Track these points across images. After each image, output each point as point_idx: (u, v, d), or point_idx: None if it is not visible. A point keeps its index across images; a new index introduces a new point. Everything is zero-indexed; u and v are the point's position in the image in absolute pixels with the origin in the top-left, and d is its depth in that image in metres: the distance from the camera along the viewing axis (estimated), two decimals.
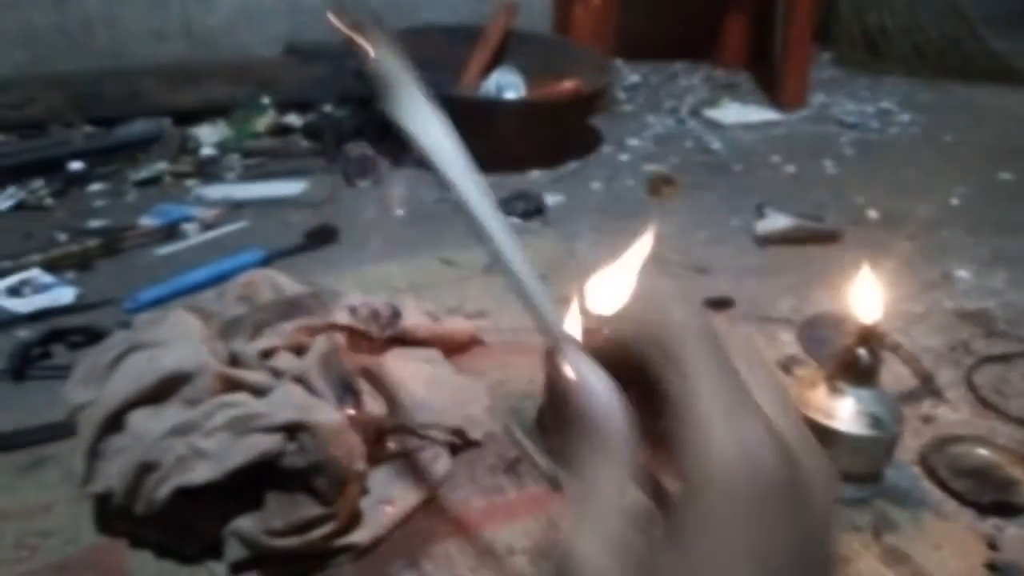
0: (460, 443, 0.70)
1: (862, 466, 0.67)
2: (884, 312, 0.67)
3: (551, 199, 1.29)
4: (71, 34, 1.67)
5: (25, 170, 1.30)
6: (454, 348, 0.85)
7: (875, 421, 0.66)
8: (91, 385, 0.60)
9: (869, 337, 0.66)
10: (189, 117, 1.55)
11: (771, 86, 1.98)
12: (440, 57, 1.61)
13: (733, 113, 1.79)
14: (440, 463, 0.68)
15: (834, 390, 0.68)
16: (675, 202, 1.29)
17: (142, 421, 0.56)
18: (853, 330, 0.67)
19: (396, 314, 0.80)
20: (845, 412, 0.66)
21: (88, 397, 0.59)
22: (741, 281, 1.02)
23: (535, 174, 1.41)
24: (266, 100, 1.56)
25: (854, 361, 0.67)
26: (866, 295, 0.67)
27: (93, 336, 0.85)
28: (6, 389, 0.78)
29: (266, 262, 1.03)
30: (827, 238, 1.15)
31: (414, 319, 0.81)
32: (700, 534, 0.22)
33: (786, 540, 0.22)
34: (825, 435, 0.66)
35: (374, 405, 0.65)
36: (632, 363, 0.28)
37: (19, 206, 1.22)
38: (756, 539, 0.22)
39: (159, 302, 0.93)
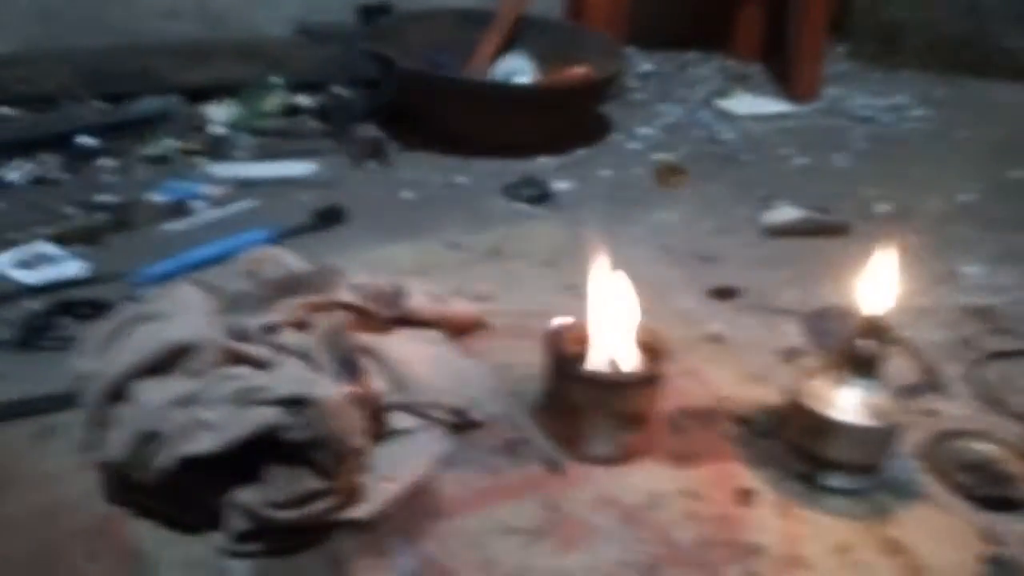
0: (461, 423, 0.71)
1: (862, 457, 0.67)
2: (891, 305, 0.67)
3: (559, 185, 1.29)
4: (85, 10, 1.67)
5: (36, 144, 1.31)
6: (458, 330, 0.85)
7: (877, 412, 0.66)
8: (97, 356, 0.60)
9: (874, 328, 0.66)
10: (200, 95, 1.55)
11: (784, 78, 1.97)
12: (451, 41, 1.61)
13: (745, 104, 1.78)
14: (441, 442, 0.68)
15: (836, 380, 0.68)
16: (683, 191, 1.29)
17: (146, 392, 0.57)
18: (858, 321, 0.67)
19: (400, 294, 0.80)
20: (847, 402, 0.67)
21: (93, 367, 0.60)
22: (747, 271, 1.02)
23: (543, 160, 1.41)
24: (277, 80, 1.56)
25: (858, 352, 0.67)
26: (874, 287, 0.67)
27: (100, 308, 0.85)
28: (14, 359, 0.79)
29: (274, 241, 1.03)
30: (835, 231, 1.15)
31: (419, 300, 0.81)
32: None
33: None
34: (825, 425, 0.66)
35: (376, 382, 0.65)
36: None
37: (30, 180, 1.22)
38: None
39: (166, 277, 0.93)
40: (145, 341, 0.59)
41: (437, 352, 0.77)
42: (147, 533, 0.59)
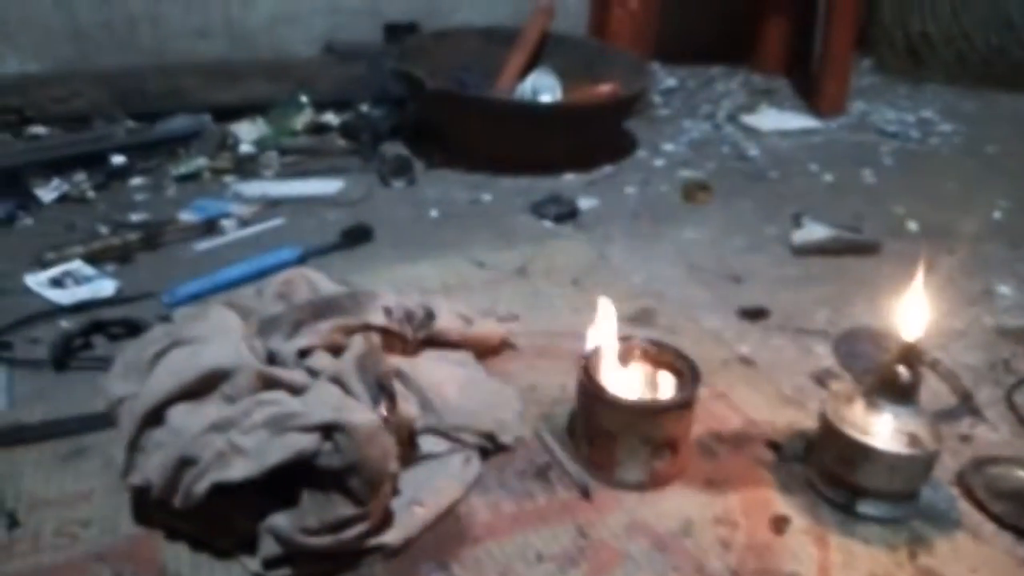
0: (491, 447, 0.70)
1: (898, 485, 0.66)
2: (926, 330, 0.66)
3: (584, 203, 1.28)
4: (116, 31, 1.70)
5: (69, 163, 1.33)
6: (485, 351, 0.85)
7: (913, 439, 0.65)
8: (131, 379, 0.61)
9: (910, 354, 0.65)
10: (228, 114, 1.57)
11: (810, 93, 1.96)
12: (477, 59, 1.62)
13: (771, 120, 1.77)
14: (471, 466, 0.68)
15: (871, 406, 0.67)
16: (710, 208, 1.28)
17: (182, 416, 0.57)
18: (894, 346, 0.66)
19: (430, 315, 0.80)
20: (882, 429, 0.65)
21: (128, 391, 0.60)
22: (776, 291, 1.01)
23: (569, 177, 1.41)
24: (304, 99, 1.58)
25: (893, 378, 0.65)
26: (910, 312, 0.66)
27: (132, 328, 0.87)
28: (48, 379, 0.80)
29: (303, 260, 1.04)
30: (865, 250, 1.13)
31: (447, 321, 0.81)
32: None
33: None
34: (861, 452, 0.65)
35: (407, 406, 0.65)
36: None
37: (62, 198, 1.24)
38: None
39: (197, 297, 0.94)
40: (182, 365, 0.59)
41: (466, 374, 0.77)
42: (179, 556, 0.59)
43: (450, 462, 0.67)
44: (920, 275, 0.69)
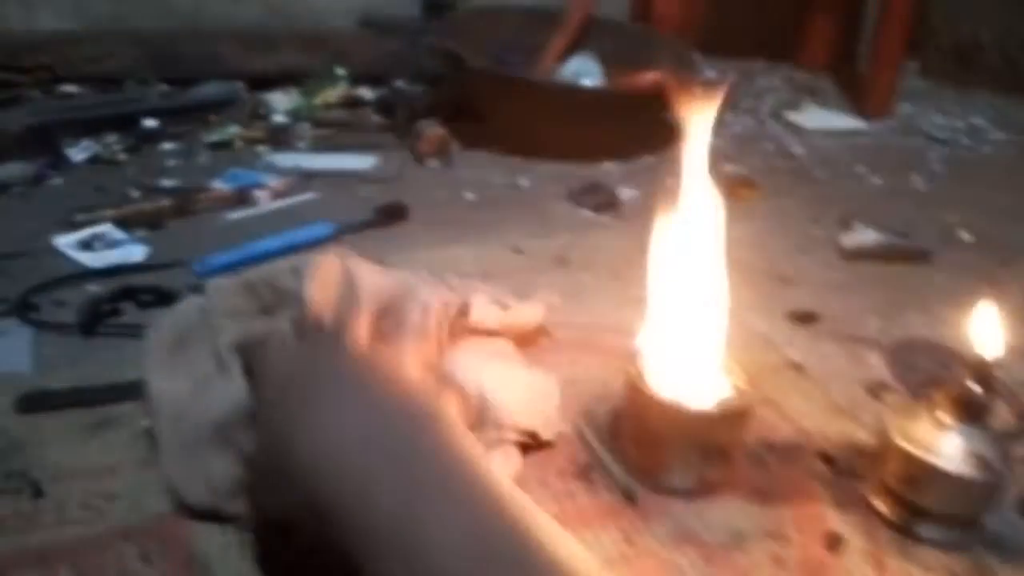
0: (532, 443, 0.67)
1: (963, 509, 0.63)
2: (1001, 348, 0.62)
3: (625, 193, 1.25)
4: None
5: (100, 124, 1.31)
6: (524, 339, 0.82)
7: (982, 462, 0.61)
8: (165, 368, 0.59)
9: (984, 372, 0.62)
10: (262, 83, 1.54)
11: (855, 92, 1.90)
12: (518, 38, 1.57)
13: (815, 118, 1.72)
14: (511, 461, 0.65)
15: (938, 424, 0.63)
16: (756, 206, 1.24)
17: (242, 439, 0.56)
18: (965, 362, 0.63)
19: (463, 311, 0.76)
20: (950, 449, 0.62)
21: (167, 388, 0.59)
22: (825, 295, 0.98)
23: (608, 166, 1.37)
24: (340, 71, 1.54)
25: (965, 396, 0.62)
26: (986, 327, 0.62)
27: (163, 296, 0.84)
28: (74, 344, 0.78)
29: (337, 236, 1.01)
30: (917, 257, 1.09)
31: (482, 312, 0.77)
32: None
33: None
34: (927, 472, 0.61)
35: (450, 402, 0.62)
36: None
37: (93, 159, 1.22)
38: None
39: (228, 268, 0.91)
40: (225, 396, 0.58)
41: (506, 367, 0.74)
42: (209, 538, 0.57)
43: (492, 459, 0.64)
44: (992, 289, 0.65)
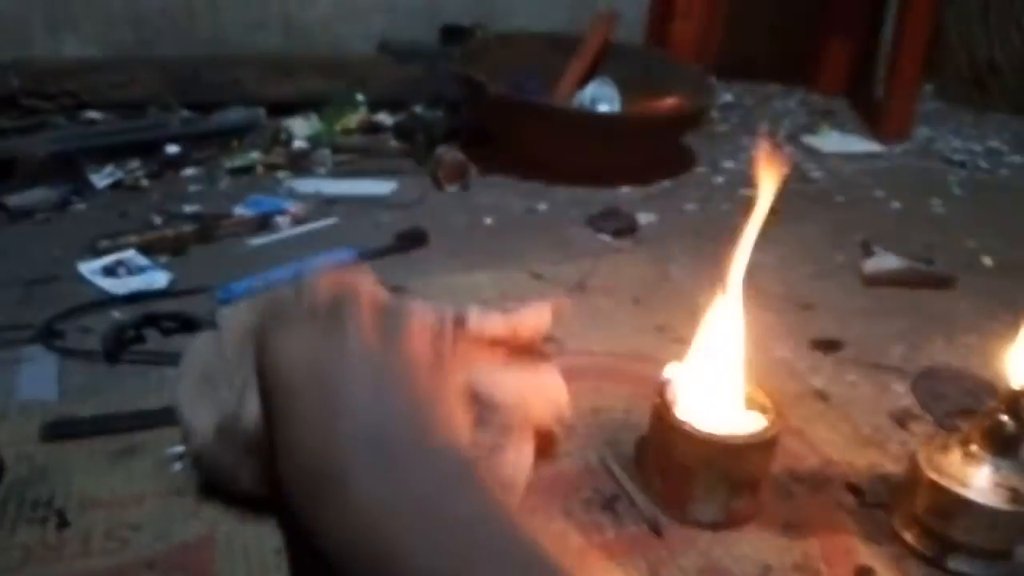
0: (546, 441, 0.67)
1: (995, 542, 0.61)
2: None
3: (643, 218, 1.25)
4: (175, 19, 1.69)
5: (123, 149, 1.32)
6: (530, 347, 0.81)
7: (1015, 494, 0.60)
8: (197, 405, 0.59)
9: (1016, 403, 0.61)
10: (283, 108, 1.56)
11: (872, 115, 1.90)
12: (536, 64, 1.59)
13: (833, 142, 1.72)
14: (523, 460, 0.64)
15: (969, 456, 0.62)
16: (776, 231, 1.23)
17: None
18: (997, 392, 0.62)
19: (461, 319, 0.76)
20: (982, 482, 0.61)
21: (198, 424, 0.58)
22: (848, 322, 0.97)
23: (626, 190, 1.37)
24: (360, 97, 1.56)
25: (996, 427, 0.61)
26: (1018, 357, 0.61)
27: (186, 323, 0.85)
28: (99, 371, 0.78)
29: (357, 261, 1.02)
30: (939, 283, 1.08)
31: (480, 318, 0.77)
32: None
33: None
34: (959, 504, 0.60)
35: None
36: None
37: (116, 185, 1.24)
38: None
39: (251, 294, 0.92)
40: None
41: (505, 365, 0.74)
42: (233, 567, 0.57)
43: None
44: (1017, 317, 0.64)
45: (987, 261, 1.18)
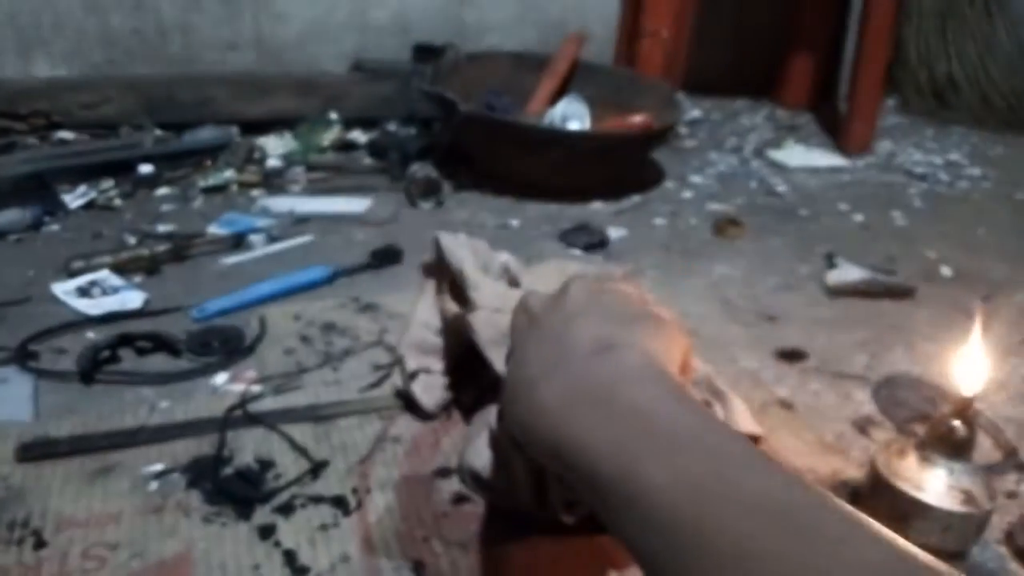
0: None
1: (950, 543, 0.64)
2: (982, 384, 0.64)
3: (614, 232, 1.27)
4: (146, 38, 1.70)
5: (96, 170, 1.32)
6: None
7: (968, 497, 0.63)
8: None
9: (966, 409, 0.63)
10: (256, 127, 1.57)
11: (835, 129, 1.95)
12: (507, 83, 1.61)
13: (797, 156, 1.76)
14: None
15: (925, 461, 0.65)
16: (742, 244, 1.27)
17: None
18: (948, 399, 0.65)
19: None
20: (936, 485, 0.63)
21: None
22: (812, 332, 1.00)
23: (596, 205, 1.40)
24: (333, 115, 1.57)
25: (948, 432, 0.64)
26: (968, 365, 0.64)
27: (161, 343, 0.85)
28: (74, 391, 0.78)
29: (333, 279, 1.03)
30: (900, 294, 1.12)
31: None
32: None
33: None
34: (915, 508, 0.63)
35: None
36: None
37: (89, 205, 1.24)
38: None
39: (226, 312, 0.93)
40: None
41: None
42: None
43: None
44: (977, 326, 0.67)
45: (946, 271, 1.22)
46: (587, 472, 0.36)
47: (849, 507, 0.31)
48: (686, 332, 0.49)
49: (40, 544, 0.60)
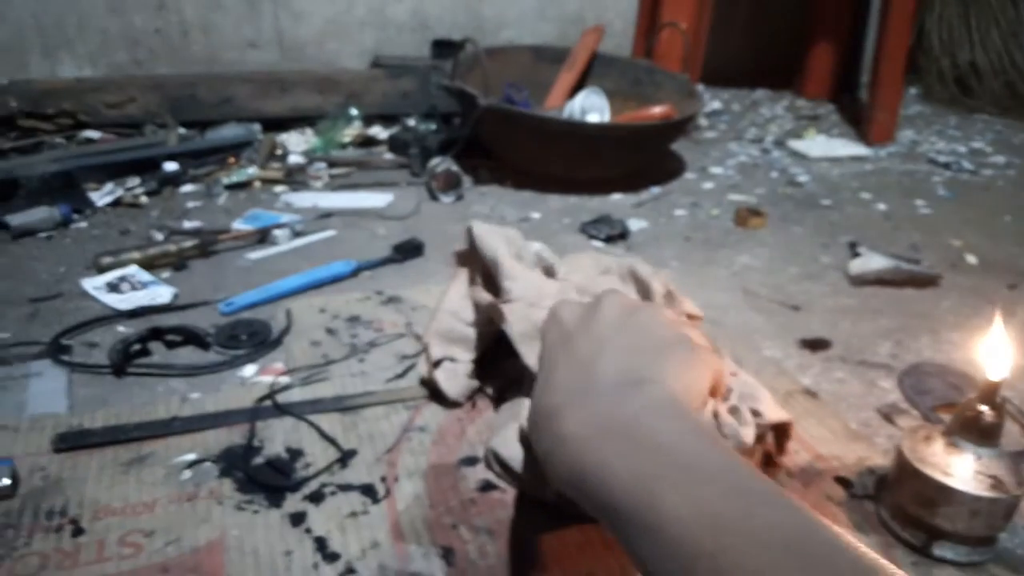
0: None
1: (978, 529, 0.64)
2: (1010, 369, 0.64)
3: (634, 224, 1.27)
4: (170, 38, 1.72)
5: (122, 168, 1.35)
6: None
7: (996, 482, 0.63)
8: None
9: (993, 394, 0.63)
10: (278, 124, 1.58)
11: (857, 119, 1.94)
12: (525, 77, 1.62)
13: (819, 146, 1.75)
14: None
15: (952, 446, 0.65)
16: (764, 234, 1.26)
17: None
18: (975, 384, 0.64)
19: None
20: (963, 471, 0.63)
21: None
22: (836, 321, 0.99)
23: (617, 197, 1.40)
24: (354, 111, 1.58)
25: (976, 418, 0.63)
26: (995, 350, 0.64)
27: (190, 336, 0.87)
28: (107, 384, 0.80)
29: (356, 273, 1.04)
30: (925, 282, 1.11)
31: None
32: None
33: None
34: (942, 493, 0.63)
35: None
36: None
37: (116, 203, 1.26)
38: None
39: (253, 306, 0.94)
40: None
41: None
42: (244, 571, 0.58)
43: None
44: (1000, 313, 0.67)
45: (971, 259, 1.21)
46: (607, 501, 0.37)
47: (865, 548, 0.31)
48: (716, 356, 0.49)
49: (78, 532, 0.61)
